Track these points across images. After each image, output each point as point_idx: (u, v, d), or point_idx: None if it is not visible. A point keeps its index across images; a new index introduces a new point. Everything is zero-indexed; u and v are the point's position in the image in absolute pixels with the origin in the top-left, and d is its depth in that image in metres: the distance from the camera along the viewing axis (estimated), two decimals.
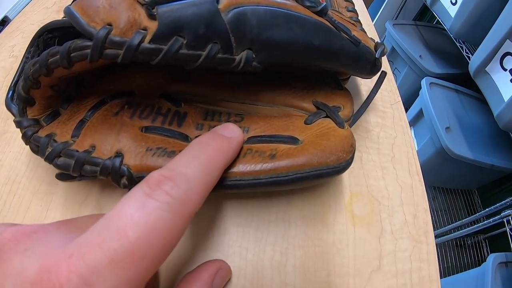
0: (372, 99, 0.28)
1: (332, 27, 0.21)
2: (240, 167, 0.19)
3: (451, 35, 1.16)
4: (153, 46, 0.16)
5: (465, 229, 1.11)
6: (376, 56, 0.24)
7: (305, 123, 0.22)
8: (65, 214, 0.24)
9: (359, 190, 0.27)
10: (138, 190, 0.14)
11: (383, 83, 0.30)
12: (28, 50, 0.23)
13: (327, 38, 0.21)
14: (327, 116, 0.23)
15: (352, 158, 0.21)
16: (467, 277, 0.96)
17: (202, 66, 0.18)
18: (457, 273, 1.06)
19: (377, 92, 0.28)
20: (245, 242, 0.24)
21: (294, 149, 0.20)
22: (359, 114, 0.27)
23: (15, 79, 0.22)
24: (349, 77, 0.29)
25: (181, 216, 0.14)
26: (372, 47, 0.24)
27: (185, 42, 0.16)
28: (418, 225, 0.26)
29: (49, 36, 0.21)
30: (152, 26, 0.16)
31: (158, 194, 0.14)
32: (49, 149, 0.20)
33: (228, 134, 0.20)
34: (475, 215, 1.11)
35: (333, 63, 0.22)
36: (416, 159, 0.30)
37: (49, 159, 0.20)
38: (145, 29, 0.16)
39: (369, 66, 0.24)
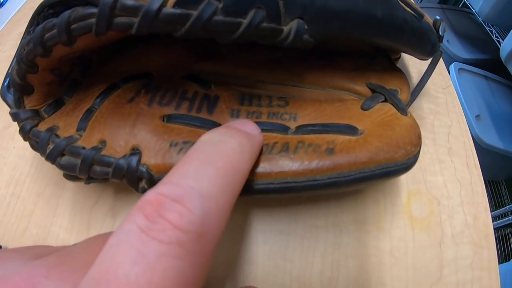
0: (426, 81, 0.24)
1: None
2: (291, 166, 0.15)
3: (480, 19, 1.10)
4: (178, 11, 0.12)
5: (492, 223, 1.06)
6: (440, 33, 0.20)
7: (362, 108, 0.18)
8: (72, 220, 0.21)
9: (416, 187, 0.24)
10: (129, 226, 0.09)
11: None
12: (27, 31, 0.19)
13: (390, 9, 0.17)
14: (385, 101, 0.19)
15: (419, 152, 0.17)
16: None
17: (241, 39, 0.13)
18: None
19: (431, 73, 0.24)
20: (289, 253, 0.21)
21: (354, 142, 0.16)
22: (413, 98, 0.23)
23: (12, 64, 0.19)
24: (400, 56, 0.25)
25: (199, 259, 0.10)
26: (431, 23, 0.20)
27: (220, 6, 0.12)
28: (478, 227, 0.23)
29: (50, 12, 0.18)
30: None
31: (160, 229, 0.09)
32: (51, 146, 0.16)
33: (248, 131, 0.15)
34: (502, 208, 1.06)
35: (396, 40, 0.18)
36: (474, 150, 0.26)
37: (51, 158, 0.16)
38: None
39: (430, 45, 0.20)
